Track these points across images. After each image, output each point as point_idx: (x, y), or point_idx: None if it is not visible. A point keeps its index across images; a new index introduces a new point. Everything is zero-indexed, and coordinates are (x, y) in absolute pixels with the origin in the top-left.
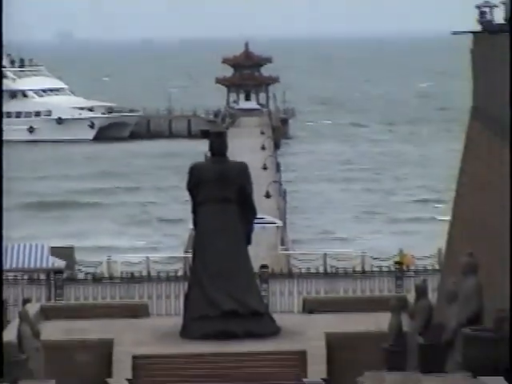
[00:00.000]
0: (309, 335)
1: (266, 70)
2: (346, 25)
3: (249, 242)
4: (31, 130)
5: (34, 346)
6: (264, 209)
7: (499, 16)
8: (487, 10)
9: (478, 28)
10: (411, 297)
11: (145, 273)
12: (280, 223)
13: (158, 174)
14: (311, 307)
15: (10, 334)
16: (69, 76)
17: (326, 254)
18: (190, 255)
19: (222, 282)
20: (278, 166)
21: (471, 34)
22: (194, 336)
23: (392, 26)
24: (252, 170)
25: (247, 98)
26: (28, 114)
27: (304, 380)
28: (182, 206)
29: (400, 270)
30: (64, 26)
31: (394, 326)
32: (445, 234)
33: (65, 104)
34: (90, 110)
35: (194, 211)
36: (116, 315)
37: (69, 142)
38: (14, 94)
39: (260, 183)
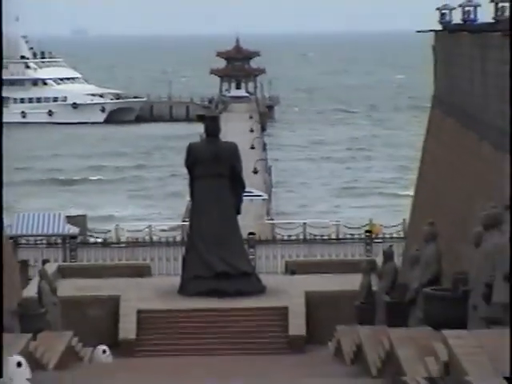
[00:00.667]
0: (290, 293)
1: (254, 63)
2: (329, 22)
3: (238, 212)
4: (50, 113)
5: (52, 300)
6: (252, 183)
7: (457, 17)
8: (447, 12)
9: (439, 27)
10: (379, 260)
11: (148, 238)
12: (266, 196)
13: (160, 153)
14: (293, 269)
15: (31, 291)
16: (83, 67)
17: (305, 223)
18: (187, 223)
19: (215, 246)
20: (264, 146)
21: (433, 33)
22: (190, 293)
23: (370, 24)
24: (241, 149)
25: (238, 87)
26: (47, 100)
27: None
28: (181, 182)
29: (370, 237)
30: (80, 24)
31: (364, 286)
32: (409, 206)
33: (79, 91)
34: (101, 96)
35: (191, 185)
36: (123, 275)
37: (83, 124)
38: (35, 82)
39: (248, 161)
